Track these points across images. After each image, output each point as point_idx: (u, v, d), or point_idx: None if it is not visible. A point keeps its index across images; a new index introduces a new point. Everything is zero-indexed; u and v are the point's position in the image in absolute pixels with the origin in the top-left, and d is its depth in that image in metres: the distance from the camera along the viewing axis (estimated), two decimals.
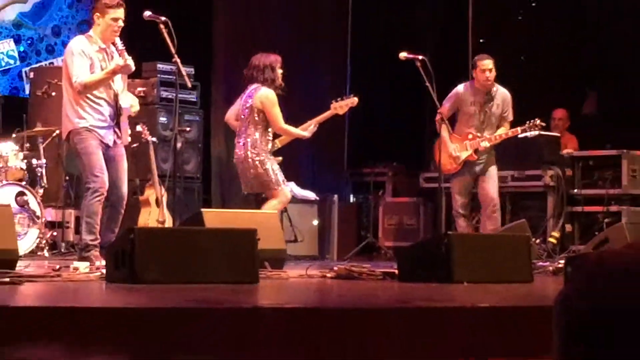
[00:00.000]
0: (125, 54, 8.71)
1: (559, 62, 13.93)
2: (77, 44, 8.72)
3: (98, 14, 8.72)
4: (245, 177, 9.75)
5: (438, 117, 10.33)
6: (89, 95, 8.59)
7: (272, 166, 9.64)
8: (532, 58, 14.04)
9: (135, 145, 11.17)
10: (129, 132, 9.02)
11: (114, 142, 8.73)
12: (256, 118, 9.61)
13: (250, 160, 9.63)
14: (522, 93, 10.94)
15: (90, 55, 8.63)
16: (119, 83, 8.81)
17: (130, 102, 8.94)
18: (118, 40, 8.77)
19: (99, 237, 8.66)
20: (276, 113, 9.62)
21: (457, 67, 10.76)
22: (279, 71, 9.72)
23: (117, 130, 8.76)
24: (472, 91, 10.54)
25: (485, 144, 10.37)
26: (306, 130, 9.93)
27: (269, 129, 9.70)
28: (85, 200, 8.62)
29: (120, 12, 8.74)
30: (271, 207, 9.57)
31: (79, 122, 8.59)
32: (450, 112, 10.52)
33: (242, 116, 9.71)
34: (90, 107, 8.61)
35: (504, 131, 10.48)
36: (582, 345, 1.29)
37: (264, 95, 9.59)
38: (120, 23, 8.74)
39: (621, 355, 1.25)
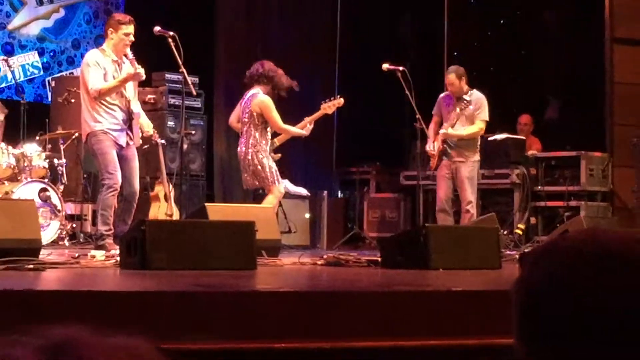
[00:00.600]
0: (136, 63, 8.74)
1: (524, 72, 13.93)
2: (92, 56, 8.76)
3: (112, 29, 8.75)
4: (246, 173, 9.76)
5: (416, 123, 10.35)
6: (103, 102, 8.61)
7: (269, 163, 9.65)
8: (500, 69, 14.05)
9: (146, 146, 11.14)
10: (140, 134, 9.02)
11: (127, 143, 8.75)
12: (255, 121, 9.64)
13: (250, 157, 9.64)
14: (491, 100, 10.92)
15: (104, 66, 8.67)
16: (130, 91, 8.83)
17: (146, 123, 9.07)
18: (129, 51, 8.82)
19: (112, 227, 8.68)
20: (274, 116, 9.64)
21: (434, 76, 10.76)
22: (275, 77, 9.72)
23: (129, 132, 8.78)
24: (448, 97, 10.55)
25: (443, 131, 10.34)
26: (303, 128, 9.94)
27: (268, 130, 9.71)
28: (100, 194, 8.67)
29: (131, 28, 8.80)
30: (268, 202, 9.59)
31: (95, 125, 8.62)
32: (437, 118, 10.54)
33: (244, 119, 9.72)
34: (105, 112, 8.64)
35: (459, 128, 10.41)
36: (534, 322, 1.29)
37: (260, 102, 9.61)
38: (131, 38, 8.80)
39: (569, 330, 1.25)
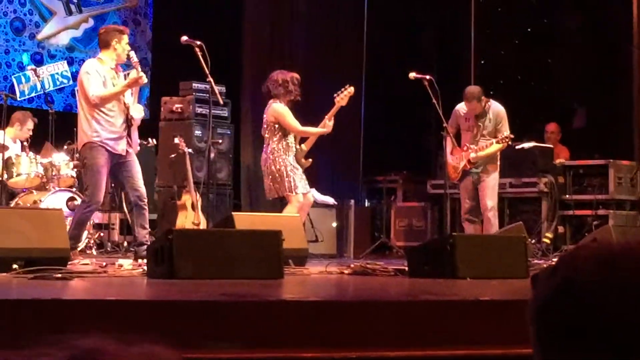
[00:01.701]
0: (139, 67, 8.80)
1: (551, 80, 13.91)
2: (91, 65, 8.83)
3: (116, 40, 8.82)
4: (267, 182, 9.80)
5: (443, 132, 10.36)
6: (102, 110, 8.63)
7: (288, 171, 9.66)
8: (527, 77, 14.02)
9: (173, 155, 11.20)
10: (147, 141, 9.05)
11: (127, 151, 8.76)
12: (272, 129, 9.70)
13: (268, 164, 9.71)
14: (519, 109, 10.92)
15: (103, 75, 8.71)
16: (128, 97, 8.85)
17: (139, 111, 9.04)
18: (133, 54, 8.93)
19: (80, 240, 8.91)
20: (289, 121, 9.68)
21: (461, 85, 10.73)
22: (292, 86, 9.77)
23: (128, 139, 8.79)
24: (466, 112, 10.55)
25: (473, 155, 10.34)
26: (324, 126, 9.93)
27: (288, 137, 9.74)
28: (78, 210, 8.73)
29: (127, 37, 8.97)
30: (287, 212, 9.60)
31: (92, 136, 8.63)
32: (453, 129, 10.52)
33: (263, 129, 9.81)
34: (104, 120, 8.65)
35: (485, 144, 10.40)
36: (548, 317, 1.34)
37: (274, 110, 9.70)
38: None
39: (583, 340, 1.29)
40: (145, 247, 8.66)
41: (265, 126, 9.79)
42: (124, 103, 8.75)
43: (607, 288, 1.29)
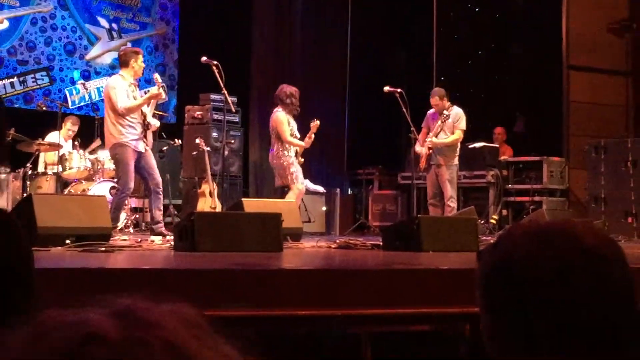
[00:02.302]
0: (160, 85, 8.79)
1: (498, 93, 13.92)
2: (116, 81, 8.78)
3: (133, 59, 8.78)
4: (276, 174, 9.84)
5: (411, 134, 10.38)
6: (127, 117, 8.61)
7: (291, 168, 9.68)
8: (479, 90, 14.03)
9: (194, 152, 11.17)
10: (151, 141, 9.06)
11: (145, 148, 8.75)
12: (275, 134, 9.70)
13: (274, 162, 9.72)
14: (471, 116, 10.89)
15: (125, 89, 8.67)
16: (146, 107, 8.82)
17: (155, 122, 9.01)
18: (157, 76, 8.93)
19: (119, 221, 9.21)
20: (283, 130, 9.65)
21: (426, 97, 10.73)
22: (293, 99, 9.77)
23: (145, 140, 8.77)
24: (434, 113, 10.55)
25: (429, 139, 10.33)
26: (305, 142, 9.85)
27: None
28: (115, 197, 8.72)
29: (142, 57, 8.95)
30: (289, 197, 9.62)
31: (119, 138, 8.60)
32: (425, 129, 10.54)
33: (270, 132, 9.83)
34: (128, 125, 8.63)
35: (442, 137, 10.40)
36: (492, 284, 1.33)
37: (275, 117, 9.70)
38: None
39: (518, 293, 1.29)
40: (160, 224, 8.69)
41: (270, 130, 9.81)
42: (142, 112, 8.73)
43: (538, 260, 1.28)
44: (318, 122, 9.85)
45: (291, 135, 9.73)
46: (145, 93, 9.05)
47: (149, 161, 8.76)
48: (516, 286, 1.28)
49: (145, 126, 8.75)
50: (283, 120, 9.65)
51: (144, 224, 10.89)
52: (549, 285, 1.26)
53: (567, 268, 1.26)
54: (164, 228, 8.75)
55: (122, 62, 8.91)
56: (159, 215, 8.74)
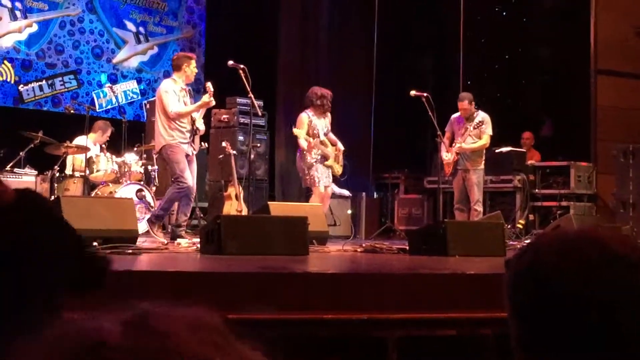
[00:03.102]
0: (212, 93, 8.81)
1: (525, 97, 13.87)
2: (169, 85, 8.84)
3: (186, 64, 8.84)
4: (300, 175, 9.86)
5: (437, 138, 10.37)
6: (177, 121, 8.67)
7: (312, 170, 9.67)
8: (506, 95, 13.98)
9: (221, 156, 11.21)
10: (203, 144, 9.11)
11: (192, 152, 8.81)
12: None
13: (297, 163, 9.73)
14: (498, 121, 10.88)
15: (177, 93, 8.73)
16: (195, 113, 8.87)
17: (202, 126, 9.04)
18: (209, 84, 8.90)
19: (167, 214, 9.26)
20: (299, 131, 9.66)
21: (452, 101, 10.70)
22: (325, 100, 9.76)
23: (192, 145, 8.82)
24: (458, 117, 10.53)
25: (457, 145, 10.32)
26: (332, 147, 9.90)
27: (317, 140, 9.73)
28: (171, 189, 8.73)
29: (194, 62, 9.02)
30: (312, 202, 9.62)
31: (169, 139, 8.68)
32: (449, 134, 10.52)
33: None
34: (177, 129, 8.70)
35: (469, 142, 10.39)
36: (520, 292, 1.34)
37: (299, 118, 9.70)
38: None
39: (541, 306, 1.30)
40: (182, 228, 8.74)
41: None
42: (192, 117, 8.79)
43: (566, 267, 1.29)
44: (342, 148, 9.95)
45: (312, 136, 9.73)
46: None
47: (190, 167, 8.81)
48: (544, 293, 1.29)
49: (194, 131, 8.82)
50: (302, 120, 9.68)
51: (169, 226, 10.94)
52: (577, 293, 1.27)
53: (594, 275, 1.27)
54: (184, 232, 8.81)
55: (174, 66, 9.00)
56: (183, 220, 8.79)
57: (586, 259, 1.28)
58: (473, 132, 10.40)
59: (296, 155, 9.92)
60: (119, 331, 0.83)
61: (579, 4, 13.13)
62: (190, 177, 8.68)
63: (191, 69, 8.85)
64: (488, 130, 10.41)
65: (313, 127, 9.74)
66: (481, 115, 10.47)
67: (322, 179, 9.75)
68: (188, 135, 8.76)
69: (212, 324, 0.89)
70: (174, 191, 8.69)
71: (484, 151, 10.55)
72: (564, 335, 1.27)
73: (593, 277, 1.27)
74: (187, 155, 8.74)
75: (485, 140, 10.41)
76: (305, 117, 9.69)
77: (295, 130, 9.69)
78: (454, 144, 10.42)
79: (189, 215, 8.94)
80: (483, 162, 10.48)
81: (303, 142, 9.71)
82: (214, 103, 8.99)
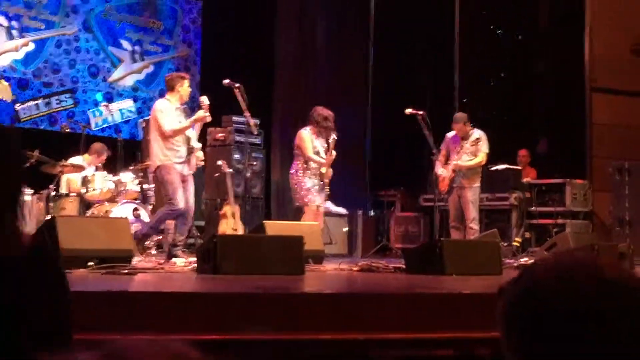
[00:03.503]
0: (207, 109, 8.79)
1: (521, 115, 13.90)
2: (163, 104, 8.81)
3: (179, 84, 8.82)
4: (292, 193, 9.80)
5: (433, 156, 10.39)
6: (172, 140, 8.65)
7: (306, 186, 9.63)
8: (502, 112, 14.02)
9: (217, 174, 11.21)
10: (196, 164, 9.04)
11: (188, 173, 8.80)
12: (297, 152, 9.68)
13: (293, 180, 9.68)
14: (495, 137, 10.90)
15: (172, 112, 8.72)
16: (191, 131, 8.86)
17: (199, 145, 9.01)
18: (204, 99, 8.89)
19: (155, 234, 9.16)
20: (306, 147, 9.63)
21: (448, 119, 10.73)
22: (327, 122, 9.73)
23: (188, 164, 8.81)
24: (454, 135, 10.55)
25: (454, 163, 10.33)
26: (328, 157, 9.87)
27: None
28: (163, 211, 8.68)
29: (188, 81, 8.99)
30: (304, 220, 9.58)
31: (164, 160, 8.65)
32: (444, 151, 10.53)
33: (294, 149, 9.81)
34: (172, 148, 8.68)
35: (465, 159, 10.41)
36: (514, 321, 1.34)
37: (299, 135, 9.69)
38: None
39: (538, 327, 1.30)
40: (178, 247, 8.72)
41: (294, 147, 9.79)
42: (186, 135, 8.78)
43: (561, 295, 1.29)
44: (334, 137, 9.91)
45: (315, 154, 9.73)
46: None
47: (188, 187, 8.79)
48: (538, 322, 1.29)
49: (189, 150, 8.81)
50: (306, 137, 9.64)
51: (165, 245, 10.92)
52: (572, 321, 1.26)
53: (589, 303, 1.27)
54: (180, 251, 8.80)
55: (168, 86, 8.98)
56: (180, 239, 8.77)
57: (582, 287, 1.28)
58: (470, 149, 10.41)
59: (292, 172, 9.85)
60: None
61: (573, 22, 13.20)
62: (182, 199, 8.63)
63: (185, 88, 8.84)
64: (484, 147, 10.43)
65: (314, 146, 9.74)
66: (477, 133, 10.49)
67: (316, 196, 9.72)
68: (184, 154, 8.74)
69: (190, 358, 0.89)
70: (165, 212, 8.66)
71: (480, 169, 10.57)
72: None
73: (589, 305, 1.27)
74: (183, 176, 8.72)
75: (482, 157, 10.43)
76: (308, 134, 9.66)
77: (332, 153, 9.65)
78: (449, 162, 10.44)
79: (185, 234, 8.91)
80: (479, 179, 10.50)
81: (319, 159, 9.70)
82: (209, 118, 8.94)
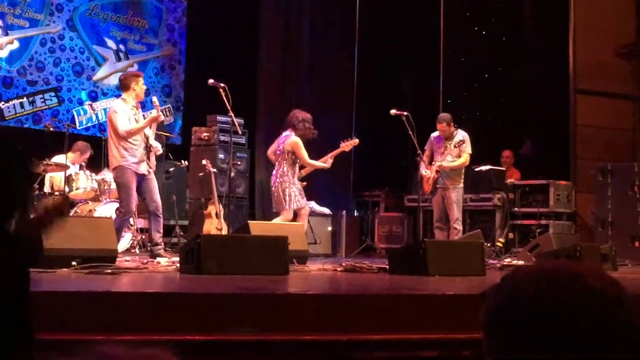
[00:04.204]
0: (159, 108, 8.87)
1: (504, 116, 13.93)
2: (118, 105, 8.84)
3: (134, 83, 8.84)
4: (272, 198, 9.76)
5: (417, 157, 10.41)
6: (129, 140, 8.65)
7: (289, 192, 9.58)
8: (485, 114, 14.05)
9: (201, 174, 11.19)
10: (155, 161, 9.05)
11: (148, 171, 8.78)
12: (286, 157, 9.62)
13: (275, 186, 9.62)
14: (479, 138, 10.93)
15: (127, 112, 8.73)
16: (148, 129, 8.87)
17: (157, 145, 9.02)
18: (155, 99, 9.03)
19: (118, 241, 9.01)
20: (302, 153, 9.61)
21: (432, 120, 10.74)
22: (307, 124, 9.73)
23: (148, 162, 8.80)
24: (438, 136, 10.56)
25: (438, 164, 10.35)
26: (325, 162, 9.93)
27: (296, 164, 9.68)
28: (116, 219, 8.62)
29: (142, 80, 9.03)
30: (276, 220, 9.55)
31: (121, 161, 8.64)
32: (428, 152, 10.54)
33: (278, 153, 9.72)
34: (129, 148, 8.67)
35: (449, 160, 10.43)
36: (496, 326, 1.35)
37: (293, 142, 9.59)
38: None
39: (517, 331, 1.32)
40: (159, 246, 8.73)
41: (280, 151, 9.71)
42: (144, 134, 8.78)
43: (542, 302, 1.30)
44: (357, 140, 9.96)
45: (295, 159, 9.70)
46: (146, 116, 9.09)
47: (150, 184, 8.79)
48: (520, 327, 1.29)
49: (148, 148, 8.80)
50: (300, 143, 9.60)
51: (149, 244, 10.90)
52: (553, 327, 1.27)
53: (571, 309, 1.28)
54: (162, 250, 8.80)
55: (123, 85, 8.98)
56: (158, 237, 8.78)
57: (564, 293, 1.29)
58: (453, 151, 10.43)
59: (272, 177, 9.75)
60: None
61: (558, 24, 13.24)
62: (134, 201, 8.70)
63: (140, 86, 8.87)
64: (467, 148, 10.45)
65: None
66: (461, 134, 10.51)
67: (296, 200, 9.65)
68: (142, 153, 8.73)
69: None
70: (118, 221, 8.56)
71: (464, 170, 10.59)
72: None
73: (571, 311, 1.28)
74: (142, 175, 8.71)
75: (465, 158, 10.45)
76: (299, 140, 9.63)
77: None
78: (433, 162, 10.46)
79: (161, 231, 8.90)
80: (462, 180, 10.52)
81: (320, 164, 9.75)
82: (162, 118, 9.11)
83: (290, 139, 9.61)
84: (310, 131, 9.72)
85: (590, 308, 1.28)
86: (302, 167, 9.89)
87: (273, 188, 9.66)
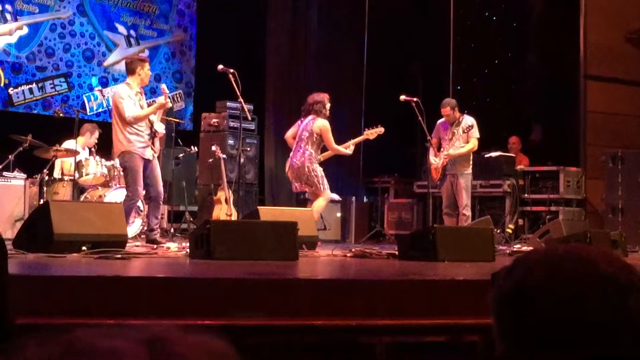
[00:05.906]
0: (167, 94, 8.85)
1: (514, 102, 13.89)
2: (123, 90, 8.80)
3: (140, 67, 8.82)
4: (299, 180, 9.68)
5: (427, 143, 10.38)
6: (134, 126, 8.65)
7: (321, 173, 9.65)
8: (494, 99, 14.01)
9: (211, 160, 11.20)
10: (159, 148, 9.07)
11: (152, 155, 8.78)
12: (314, 139, 9.61)
13: (307, 168, 9.59)
14: (487, 125, 10.89)
15: (132, 97, 8.71)
16: (153, 115, 8.85)
17: (161, 127, 9.01)
18: (164, 86, 9.02)
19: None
20: (330, 137, 9.63)
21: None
22: (328, 105, 9.75)
23: (152, 147, 8.79)
24: (444, 122, 10.53)
25: (445, 152, 10.31)
26: (347, 148, 9.93)
27: (320, 147, 9.70)
28: (124, 203, 8.55)
29: (148, 65, 9.01)
30: (319, 204, 9.57)
31: (127, 146, 8.64)
32: (436, 139, 10.51)
33: (302, 137, 9.65)
34: (135, 134, 8.67)
35: (458, 146, 10.39)
36: (507, 310, 1.34)
37: (322, 125, 9.58)
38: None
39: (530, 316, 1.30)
40: (155, 232, 8.74)
41: (307, 134, 9.61)
42: (149, 120, 8.77)
43: (554, 286, 1.29)
44: (382, 129, 9.94)
45: (320, 143, 9.72)
46: (152, 103, 9.09)
47: (153, 169, 8.79)
48: (531, 312, 1.28)
49: (153, 134, 8.79)
50: (329, 127, 9.64)
51: (145, 229, 10.93)
52: (564, 312, 1.26)
53: (582, 295, 1.26)
54: (158, 235, 8.82)
55: (128, 69, 8.96)
56: (155, 223, 8.80)
57: (575, 278, 1.28)
58: (462, 136, 10.40)
59: (296, 160, 9.70)
60: (139, 351, 0.81)
61: (568, 10, 13.17)
62: (141, 186, 8.66)
63: (145, 71, 8.83)
64: (475, 133, 10.42)
65: None
66: (469, 119, 10.48)
67: (327, 182, 9.73)
68: (147, 138, 8.73)
69: (227, 352, 0.88)
70: (126, 206, 8.46)
71: (472, 155, 10.56)
72: (550, 355, 1.26)
73: (582, 297, 1.26)
74: (147, 160, 8.71)
75: (473, 143, 10.42)
76: (327, 123, 9.64)
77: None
78: (442, 149, 10.43)
79: (159, 217, 8.94)
80: (470, 166, 10.49)
81: (344, 150, 9.80)
82: (170, 105, 9.11)
83: (318, 122, 9.60)
84: (327, 111, 9.75)
85: (597, 293, 1.26)
86: (321, 152, 9.88)
87: (300, 170, 9.62)
